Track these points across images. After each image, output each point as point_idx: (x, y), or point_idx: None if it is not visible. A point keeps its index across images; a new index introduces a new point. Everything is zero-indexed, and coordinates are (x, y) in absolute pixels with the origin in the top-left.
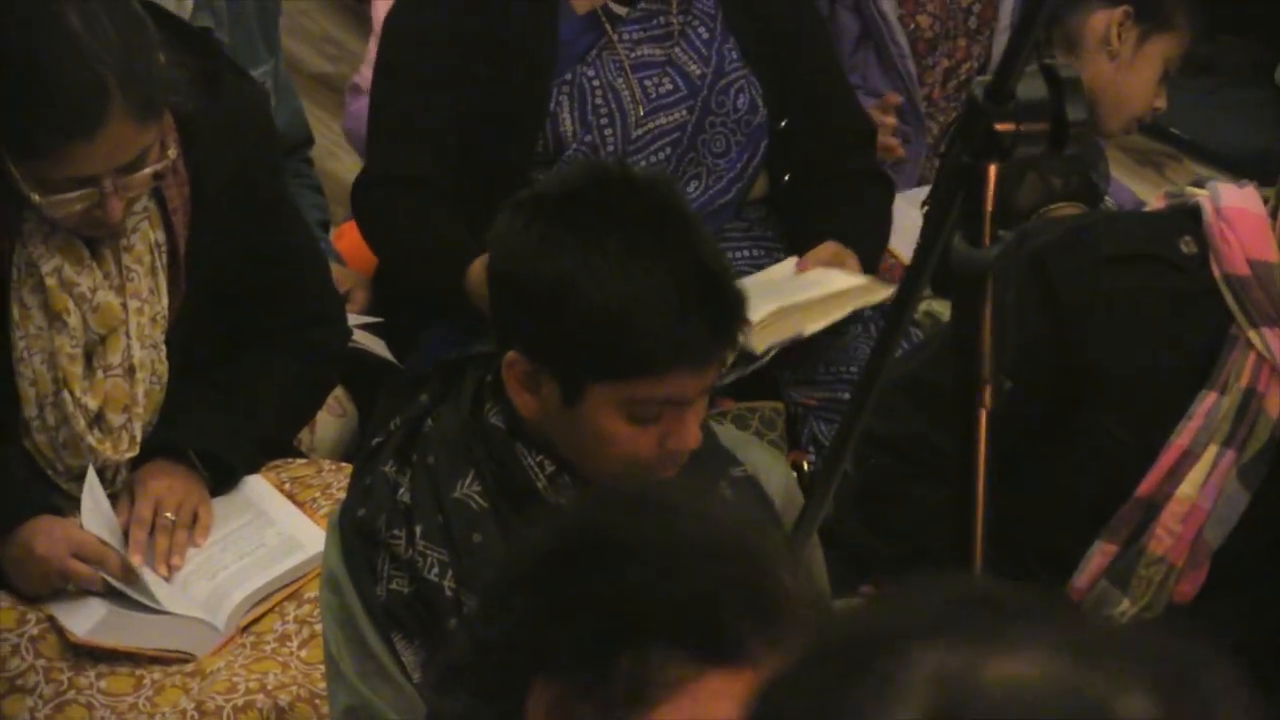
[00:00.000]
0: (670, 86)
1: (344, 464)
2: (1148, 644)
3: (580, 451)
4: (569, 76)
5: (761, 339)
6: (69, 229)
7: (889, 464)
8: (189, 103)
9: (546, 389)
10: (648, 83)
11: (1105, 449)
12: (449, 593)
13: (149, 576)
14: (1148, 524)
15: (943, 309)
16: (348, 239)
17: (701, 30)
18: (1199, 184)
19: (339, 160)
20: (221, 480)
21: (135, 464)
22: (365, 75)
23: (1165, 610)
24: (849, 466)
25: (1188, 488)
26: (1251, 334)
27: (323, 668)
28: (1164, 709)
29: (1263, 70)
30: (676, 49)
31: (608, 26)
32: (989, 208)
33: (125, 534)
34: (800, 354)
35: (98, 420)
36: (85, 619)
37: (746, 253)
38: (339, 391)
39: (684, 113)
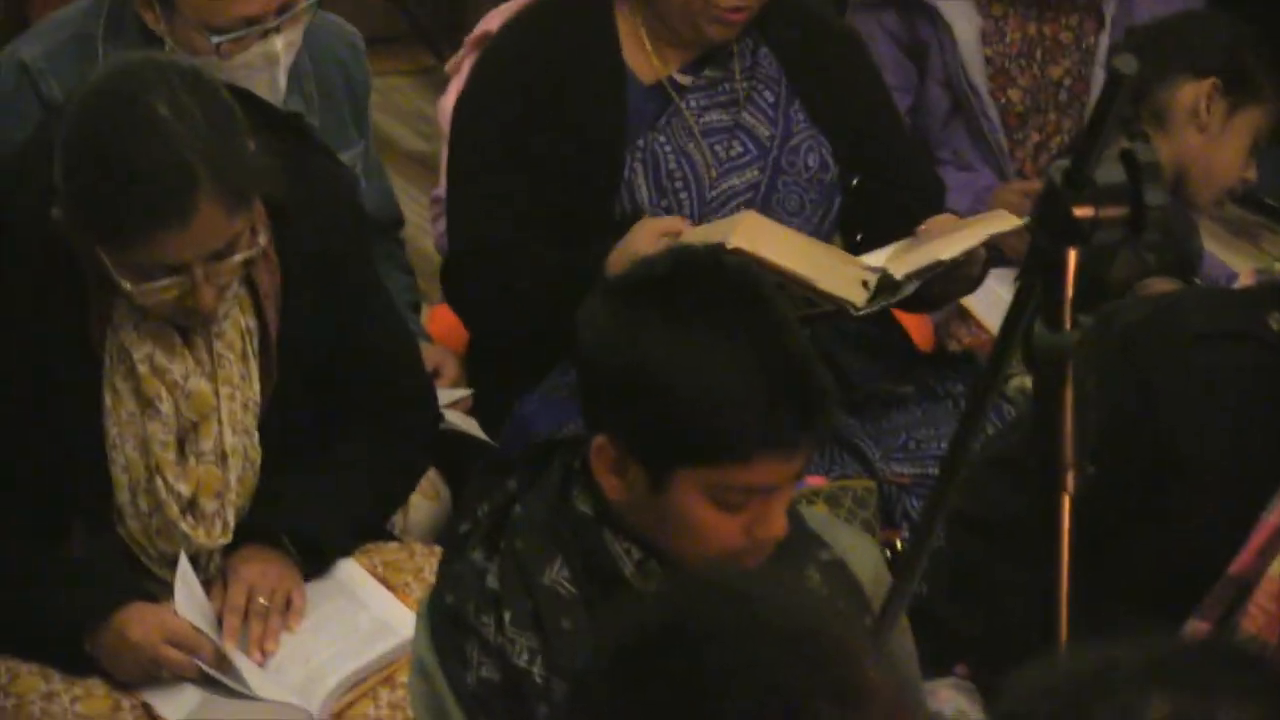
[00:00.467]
0: (740, 149)
1: (436, 547)
2: None
3: (667, 538)
4: (641, 143)
5: (900, 266)
6: (160, 317)
7: (981, 544)
8: (279, 189)
9: (634, 475)
10: (718, 147)
11: (1197, 527)
12: (539, 679)
13: (243, 662)
14: (1241, 602)
15: None
16: (438, 323)
17: (767, 94)
18: None
19: (431, 237)
20: (314, 565)
21: (228, 549)
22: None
23: None
24: (941, 544)
25: None
26: None
27: None
28: None
29: None
30: (744, 113)
31: (674, 96)
32: (1069, 293)
33: (219, 620)
34: (890, 426)
35: (190, 506)
36: (180, 706)
37: None
38: (432, 474)
39: (755, 172)
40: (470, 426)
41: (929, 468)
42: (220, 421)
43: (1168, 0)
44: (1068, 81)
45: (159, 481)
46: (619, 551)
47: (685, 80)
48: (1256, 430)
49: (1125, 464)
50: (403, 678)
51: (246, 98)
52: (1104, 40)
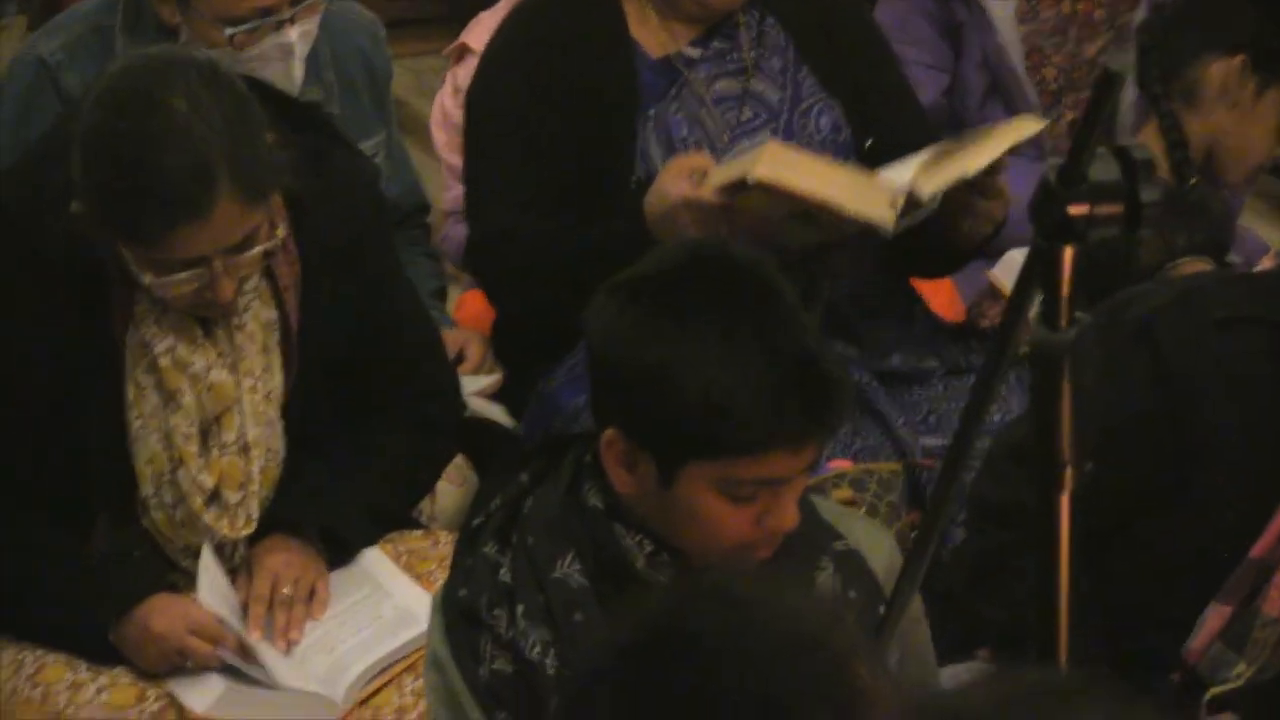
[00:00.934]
0: (751, 114)
1: None
2: None
3: (678, 530)
4: (652, 113)
5: (928, 184)
6: (181, 309)
7: (1001, 531)
8: (297, 182)
9: (644, 468)
10: (729, 114)
11: (1218, 512)
12: (551, 672)
13: (267, 652)
14: (1262, 586)
15: None
16: (467, 308)
17: (775, 61)
18: None
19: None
20: (338, 554)
21: (253, 540)
22: (457, 192)
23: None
24: (959, 530)
25: None
26: None
27: None
28: None
29: None
30: (753, 81)
31: (683, 69)
32: (1065, 291)
33: (244, 610)
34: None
35: (214, 498)
36: (204, 696)
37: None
38: (460, 460)
39: (768, 135)
40: (495, 413)
41: (939, 406)
42: (242, 413)
43: None
44: (1102, 59)
45: (182, 474)
46: (630, 545)
47: (694, 53)
48: (1276, 415)
49: (1145, 451)
50: None
51: (265, 89)
52: (1138, 17)
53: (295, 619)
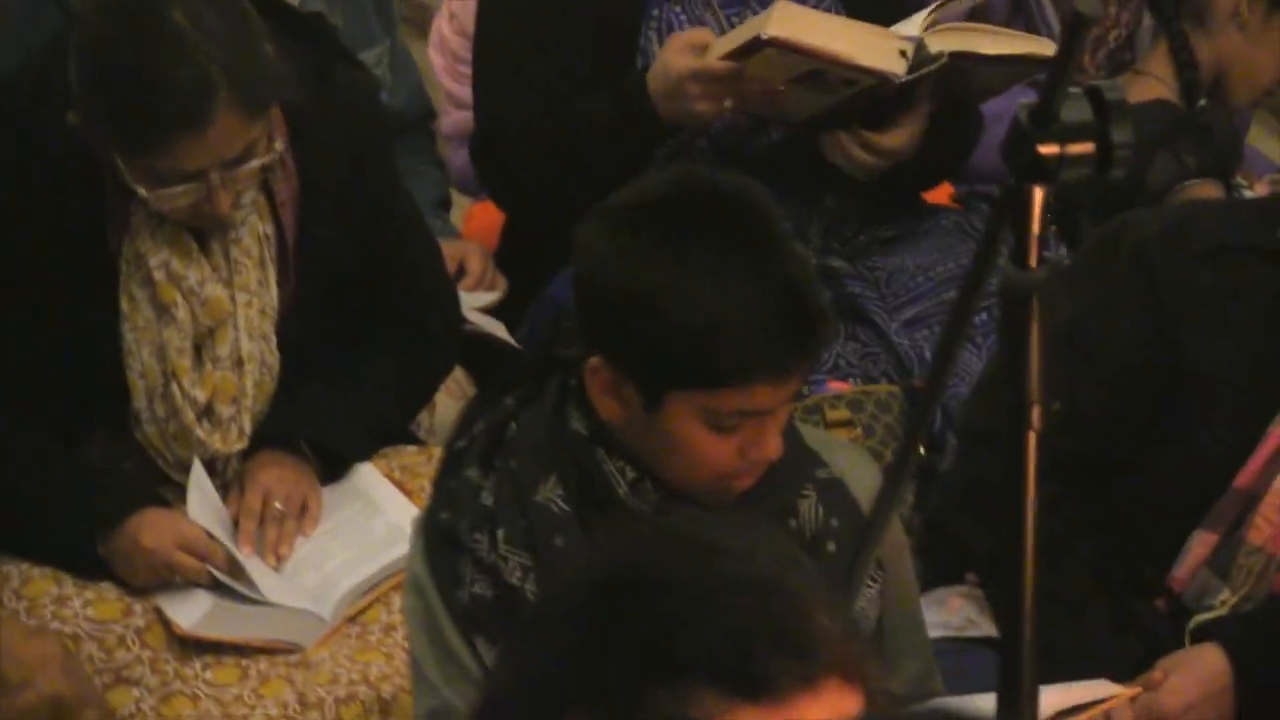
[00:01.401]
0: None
1: None
2: None
3: (661, 459)
4: (656, 13)
5: (938, 43)
6: (177, 222)
7: (991, 458)
8: (297, 95)
9: (628, 395)
10: (735, 19)
11: (1203, 442)
12: (531, 596)
13: (257, 567)
14: (1247, 514)
15: None
16: (476, 221)
17: None
18: None
19: None
20: (332, 469)
21: (245, 455)
22: (456, 118)
23: (1266, 599)
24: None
25: None
26: None
27: None
28: None
29: None
30: None
31: None
32: (1035, 230)
33: (234, 524)
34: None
35: (207, 412)
36: (192, 611)
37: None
38: (459, 374)
39: None
40: (495, 328)
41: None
42: (237, 327)
43: None
44: None
45: (175, 387)
46: (612, 471)
47: None
48: (1262, 344)
49: (1135, 377)
50: None
51: (266, 1)
52: None
53: (285, 534)
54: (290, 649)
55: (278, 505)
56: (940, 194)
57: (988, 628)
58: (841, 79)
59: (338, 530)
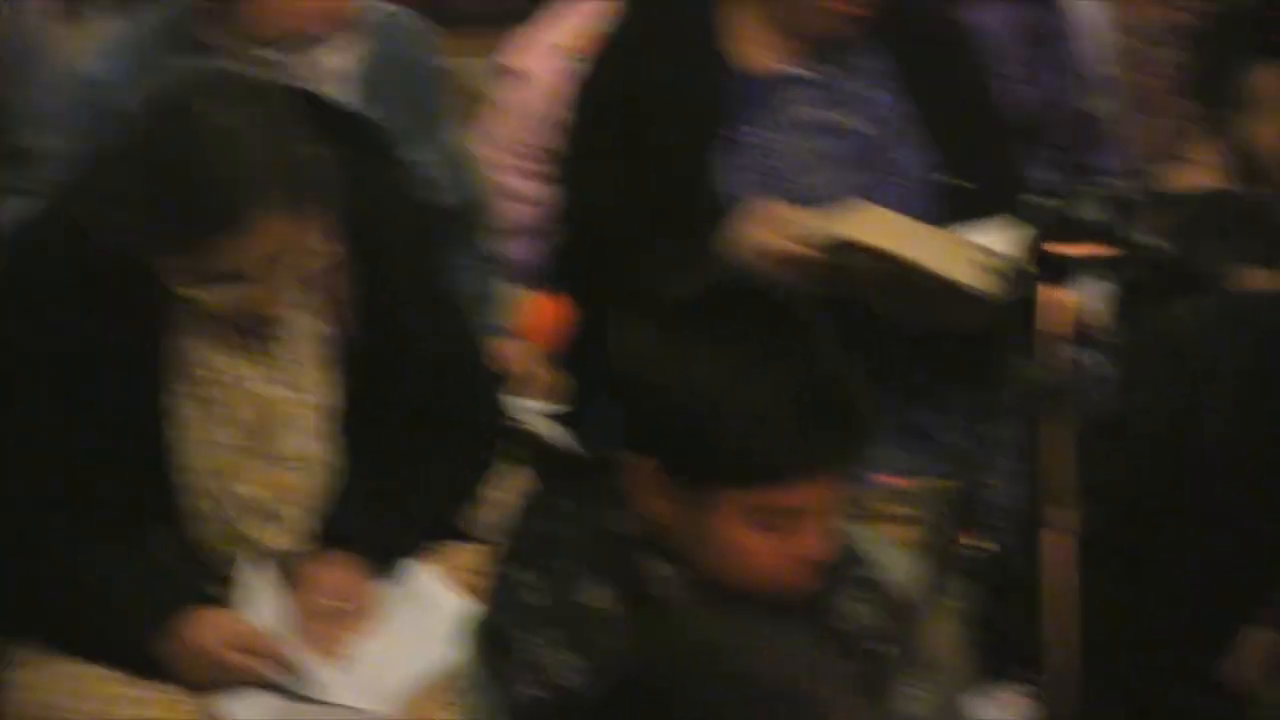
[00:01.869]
0: (836, 146)
1: None
2: None
3: (709, 558)
4: (734, 135)
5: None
6: (222, 320)
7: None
8: (340, 195)
9: (674, 497)
10: (814, 143)
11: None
12: (580, 697)
13: (313, 667)
14: None
15: None
16: (534, 314)
17: (874, 93)
18: None
19: None
20: (387, 568)
21: (299, 554)
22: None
23: None
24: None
25: None
26: None
27: None
28: None
29: None
30: (846, 110)
31: (776, 88)
32: (1058, 331)
33: (290, 624)
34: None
35: (259, 511)
36: (250, 711)
37: None
38: (516, 472)
39: (850, 172)
40: (545, 428)
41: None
42: (288, 426)
43: None
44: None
45: (225, 486)
46: (658, 572)
47: (791, 72)
48: None
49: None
50: None
51: (311, 101)
52: None
53: (342, 634)
54: None
55: (334, 604)
56: None
57: None
58: (924, 288)
59: (394, 629)
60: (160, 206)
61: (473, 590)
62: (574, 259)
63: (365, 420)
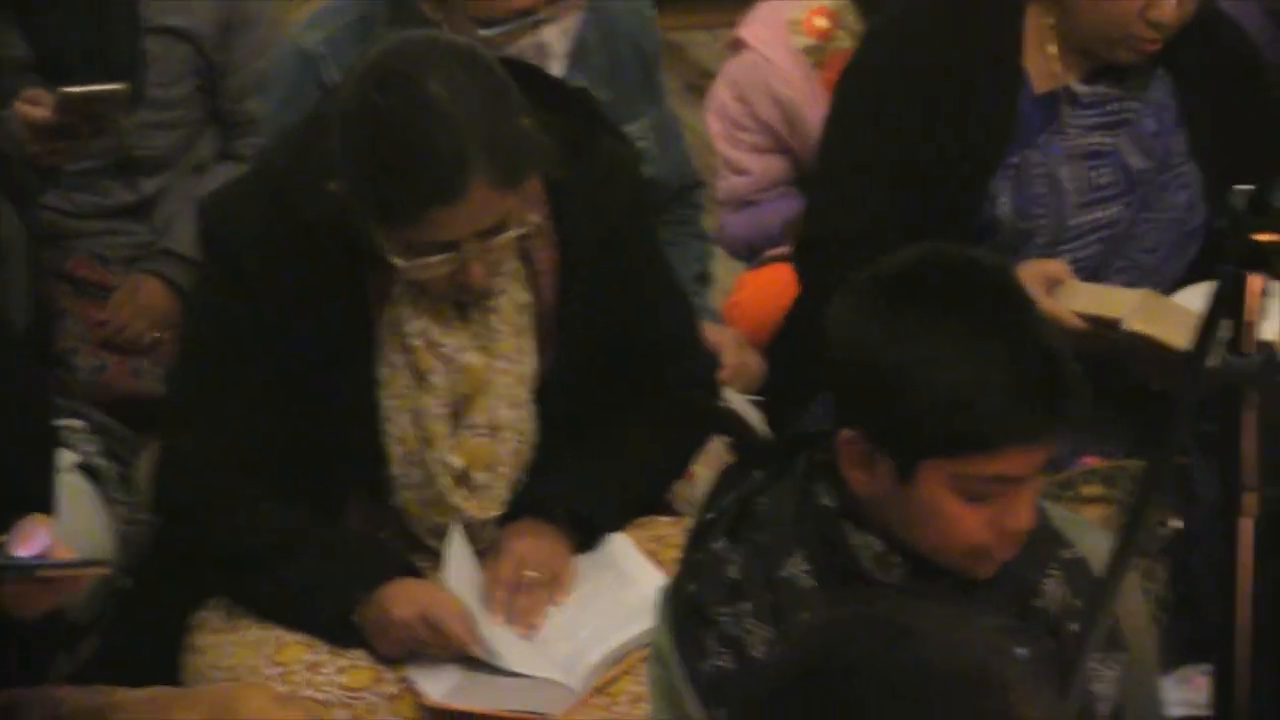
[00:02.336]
0: (1111, 179)
1: None
2: None
3: (913, 532)
4: (1015, 159)
5: None
6: (435, 292)
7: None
8: (555, 167)
9: (881, 467)
10: (1092, 172)
11: None
12: None
13: (506, 637)
14: None
15: None
16: (749, 289)
17: (1151, 121)
18: None
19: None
20: (586, 539)
21: (501, 522)
22: (733, 183)
23: None
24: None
25: None
26: None
27: None
28: None
29: None
30: (1124, 138)
31: (1065, 109)
32: (1251, 318)
33: (488, 591)
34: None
35: (463, 479)
36: (441, 682)
37: None
38: (718, 445)
39: (1119, 208)
40: (745, 410)
41: None
42: (494, 394)
43: None
44: None
45: (431, 454)
46: (860, 545)
47: (1080, 90)
48: None
49: None
50: None
51: (528, 73)
52: None
53: (537, 603)
54: (539, 719)
55: (531, 574)
56: None
57: None
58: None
59: (589, 600)
60: (373, 176)
61: (669, 563)
62: (817, 261)
63: (570, 391)
